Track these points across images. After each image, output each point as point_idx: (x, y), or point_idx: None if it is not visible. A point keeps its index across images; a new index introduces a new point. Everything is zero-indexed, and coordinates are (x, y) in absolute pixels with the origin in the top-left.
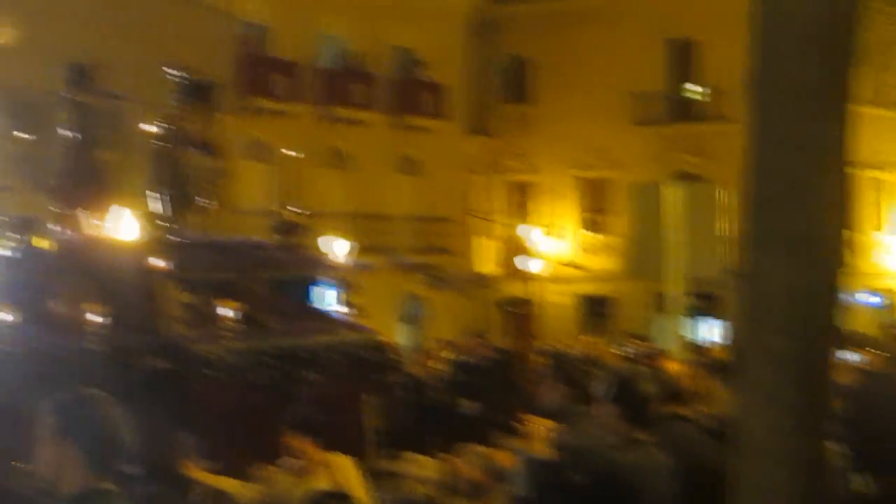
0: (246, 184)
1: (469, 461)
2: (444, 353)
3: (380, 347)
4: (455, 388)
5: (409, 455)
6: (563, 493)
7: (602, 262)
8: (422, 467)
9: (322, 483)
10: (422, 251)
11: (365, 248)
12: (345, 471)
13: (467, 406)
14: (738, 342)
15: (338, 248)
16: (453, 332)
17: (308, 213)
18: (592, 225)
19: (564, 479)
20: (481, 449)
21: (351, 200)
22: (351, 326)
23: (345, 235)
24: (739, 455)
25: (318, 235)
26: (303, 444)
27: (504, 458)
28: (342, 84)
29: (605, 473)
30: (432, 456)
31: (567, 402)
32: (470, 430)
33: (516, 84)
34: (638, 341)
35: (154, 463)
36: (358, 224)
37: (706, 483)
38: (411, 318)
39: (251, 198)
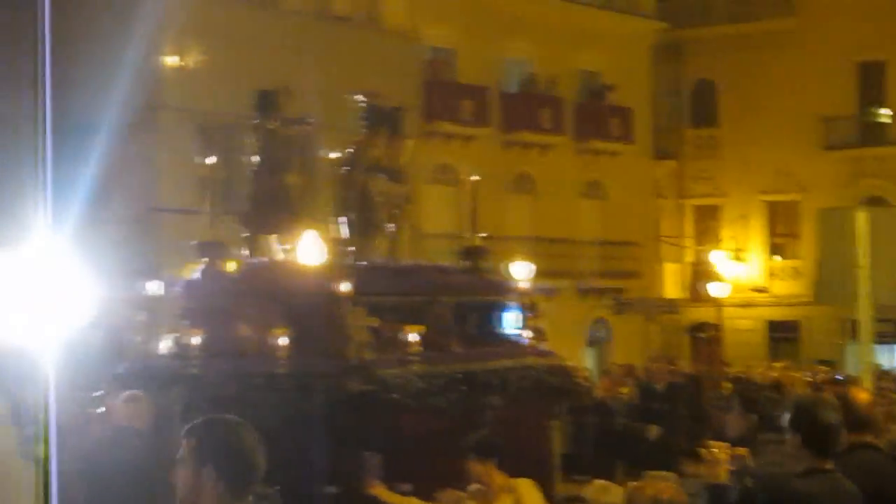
0: (431, 208)
1: (654, 487)
2: (630, 379)
3: (565, 372)
4: (641, 414)
5: (596, 481)
6: None
7: (790, 287)
8: (608, 493)
9: None
10: (608, 275)
11: (550, 272)
12: (529, 496)
13: (653, 432)
14: None
15: (523, 273)
16: (640, 358)
17: (493, 237)
18: (780, 249)
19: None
20: (666, 475)
21: (536, 225)
22: (536, 351)
23: (530, 260)
24: None
25: (503, 260)
26: (487, 469)
27: (689, 486)
28: (528, 108)
29: (787, 501)
30: (617, 482)
31: (752, 430)
32: (656, 457)
33: (702, 107)
34: (825, 368)
35: (339, 482)
36: (543, 248)
37: None
38: (597, 343)
39: (436, 222)
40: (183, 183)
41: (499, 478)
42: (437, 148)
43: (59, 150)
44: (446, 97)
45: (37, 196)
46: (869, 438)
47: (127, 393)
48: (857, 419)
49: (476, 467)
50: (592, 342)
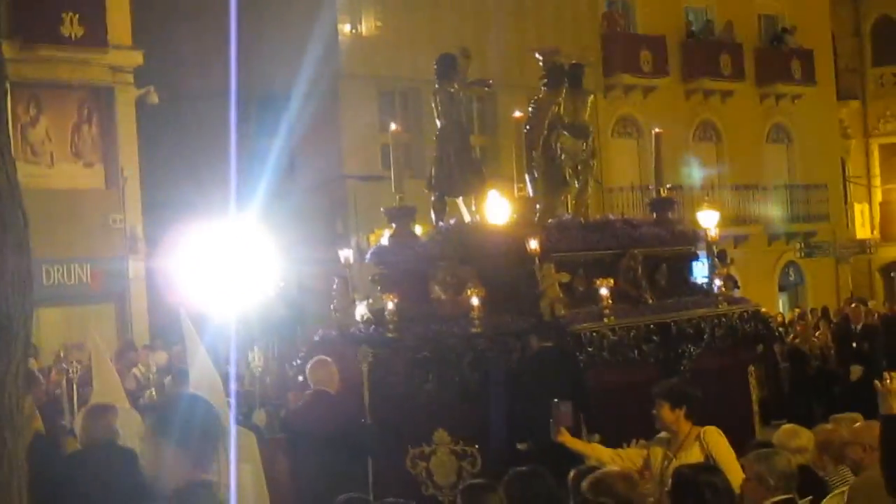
0: (613, 161)
1: (847, 431)
2: (824, 322)
3: (760, 318)
4: (837, 356)
5: (785, 425)
6: None
7: None
8: (797, 437)
9: (693, 456)
10: (796, 219)
11: (740, 219)
12: (716, 443)
13: (856, 373)
14: None
15: (712, 222)
16: (833, 300)
17: (679, 187)
18: None
19: None
20: (854, 416)
21: (724, 173)
22: (729, 299)
23: (719, 208)
24: None
25: (692, 209)
26: (676, 417)
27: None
28: (710, 56)
29: None
30: (812, 425)
31: None
32: (857, 397)
33: (884, 45)
34: None
35: (534, 436)
36: (731, 196)
37: None
38: (789, 288)
39: (619, 175)
40: (367, 150)
41: (686, 426)
42: (618, 101)
43: (246, 122)
44: (626, 49)
45: (230, 168)
46: None
47: (316, 359)
48: None
49: (666, 414)
50: (784, 287)
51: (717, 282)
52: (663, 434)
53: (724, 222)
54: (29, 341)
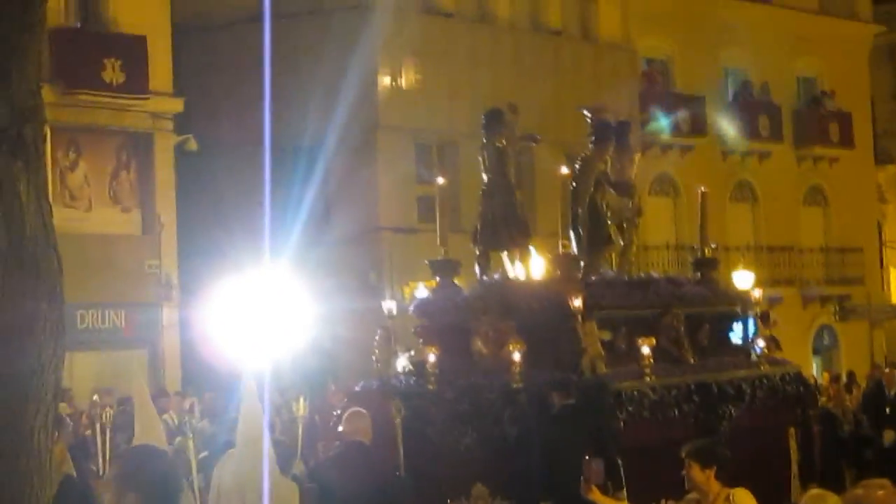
0: (650, 219)
1: (874, 497)
2: (855, 386)
3: (802, 380)
4: (870, 420)
5: (812, 490)
6: None
7: None
8: (823, 502)
9: None
10: (832, 282)
11: (776, 280)
12: None
13: (889, 437)
14: None
15: (750, 282)
16: (866, 365)
17: (718, 246)
18: None
19: None
20: (883, 482)
21: (760, 233)
22: (770, 359)
23: (755, 269)
24: None
25: (730, 270)
26: (706, 476)
27: None
28: (746, 116)
29: None
30: (843, 490)
31: None
32: (890, 462)
33: None
34: None
35: (565, 486)
36: (768, 257)
37: None
38: (823, 351)
39: (655, 233)
40: (403, 202)
41: (716, 486)
42: (655, 159)
43: (282, 171)
44: (665, 107)
45: (264, 217)
46: None
47: (351, 410)
48: None
49: (696, 475)
50: (818, 350)
51: (760, 343)
52: (693, 495)
53: (759, 283)
54: (59, 387)
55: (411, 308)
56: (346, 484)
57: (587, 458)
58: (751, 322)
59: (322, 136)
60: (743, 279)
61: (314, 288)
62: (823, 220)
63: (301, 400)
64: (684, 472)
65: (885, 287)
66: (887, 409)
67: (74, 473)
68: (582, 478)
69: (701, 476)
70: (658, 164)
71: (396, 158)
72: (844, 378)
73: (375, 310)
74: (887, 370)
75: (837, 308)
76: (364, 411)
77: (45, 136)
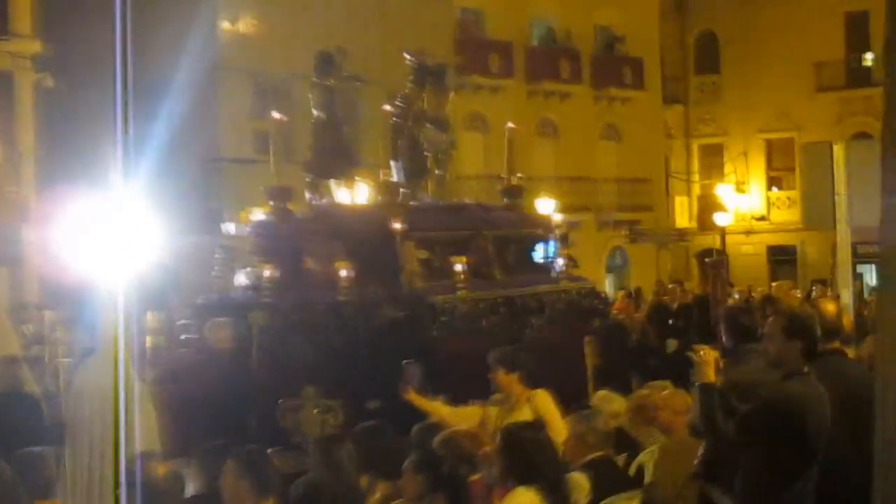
0: (466, 153)
1: (658, 397)
2: (645, 300)
3: (597, 295)
4: (656, 331)
5: (599, 392)
6: (732, 420)
7: (787, 216)
8: (610, 402)
9: (523, 415)
10: (624, 209)
11: (574, 207)
12: (544, 405)
13: (672, 345)
14: (881, 286)
15: (552, 209)
16: (654, 282)
17: (523, 177)
18: (777, 182)
19: (732, 406)
20: (664, 383)
21: (560, 165)
22: (569, 277)
23: (556, 196)
24: (881, 385)
25: (534, 197)
26: (510, 380)
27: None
28: (551, 61)
29: (772, 401)
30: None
31: (739, 342)
32: (673, 368)
33: (706, 56)
34: (819, 286)
35: (386, 388)
36: (568, 186)
37: (857, 410)
38: (615, 269)
39: (469, 165)
40: (240, 135)
41: (519, 388)
42: (468, 98)
43: (136, 106)
44: (478, 53)
45: (115, 147)
46: (836, 345)
47: (216, 320)
48: (825, 328)
49: (502, 378)
50: (611, 269)
51: (560, 262)
52: (498, 395)
53: (559, 209)
54: None
55: (248, 229)
56: (209, 385)
57: (404, 362)
58: (552, 243)
59: (169, 75)
60: (545, 206)
61: (159, 212)
62: (617, 154)
63: (149, 314)
64: (490, 376)
65: (670, 213)
66: (670, 321)
67: None
68: (400, 381)
69: (505, 379)
70: (471, 102)
71: (235, 96)
72: (633, 293)
73: (213, 233)
74: (670, 286)
75: (629, 232)
76: (225, 321)
77: None
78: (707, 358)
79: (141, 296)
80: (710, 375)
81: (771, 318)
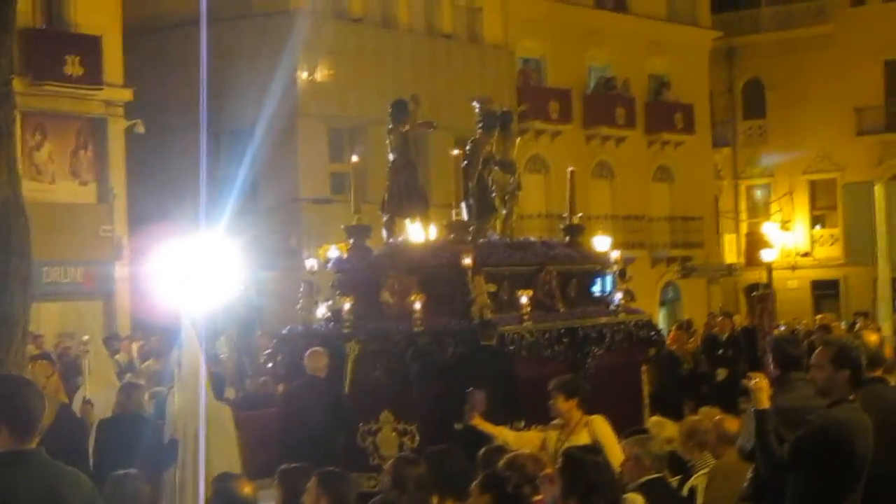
0: (527, 193)
1: (709, 422)
2: (697, 332)
3: (652, 326)
4: (707, 361)
5: (652, 418)
6: (783, 445)
7: (830, 252)
8: (663, 428)
9: (581, 439)
10: (677, 246)
11: (630, 244)
12: (601, 429)
13: (721, 374)
14: None
15: (608, 245)
16: (705, 314)
17: (583, 216)
18: (821, 220)
19: (780, 432)
20: (713, 410)
21: (616, 205)
22: (626, 309)
23: (613, 234)
24: None
25: (592, 235)
26: (569, 406)
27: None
28: (607, 107)
29: (822, 427)
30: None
31: (786, 370)
32: (722, 396)
33: (752, 102)
34: (862, 318)
35: (450, 414)
36: (623, 225)
37: None
38: (668, 303)
39: (531, 205)
40: (318, 177)
41: (577, 414)
42: (530, 142)
43: (217, 152)
44: (538, 99)
45: (202, 189)
46: (878, 373)
47: (315, 349)
48: (868, 357)
49: (561, 405)
50: (664, 302)
51: (618, 295)
52: (558, 420)
53: (616, 246)
54: (27, 329)
55: (330, 265)
56: (310, 407)
57: (470, 389)
58: (610, 278)
59: (252, 122)
60: (603, 243)
61: (244, 250)
62: (669, 194)
63: (222, 338)
64: (551, 403)
65: (720, 250)
66: (720, 351)
67: (68, 401)
68: (467, 406)
69: (565, 405)
70: (533, 146)
71: (313, 141)
72: (685, 325)
73: (294, 268)
74: (720, 319)
75: (680, 267)
76: (322, 350)
77: (15, 120)
78: (761, 385)
79: (227, 327)
80: (765, 401)
81: (819, 348)
